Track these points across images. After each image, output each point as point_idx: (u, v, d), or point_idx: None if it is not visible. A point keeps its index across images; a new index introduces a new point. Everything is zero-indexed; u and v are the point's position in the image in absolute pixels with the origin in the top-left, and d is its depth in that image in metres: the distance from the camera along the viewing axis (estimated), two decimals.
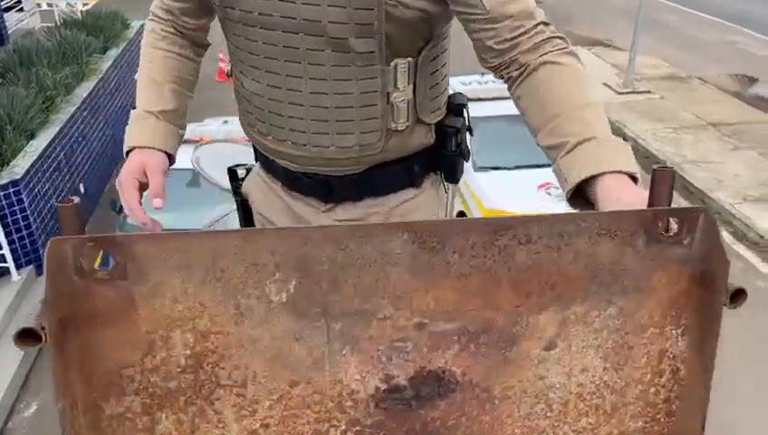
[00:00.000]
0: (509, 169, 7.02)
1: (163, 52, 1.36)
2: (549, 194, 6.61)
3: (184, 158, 7.41)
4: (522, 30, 1.10)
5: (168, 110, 1.36)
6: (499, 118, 7.56)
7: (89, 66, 9.14)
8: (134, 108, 1.36)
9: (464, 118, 1.43)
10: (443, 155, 1.39)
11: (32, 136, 7.15)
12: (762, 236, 7.17)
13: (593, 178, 1.00)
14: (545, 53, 1.10)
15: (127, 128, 1.36)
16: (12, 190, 6.24)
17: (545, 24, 1.12)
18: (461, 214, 6.94)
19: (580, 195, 1.04)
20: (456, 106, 1.40)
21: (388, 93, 1.20)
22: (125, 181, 1.30)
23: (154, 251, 0.77)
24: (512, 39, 1.11)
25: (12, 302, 6.05)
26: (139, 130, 1.34)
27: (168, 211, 5.63)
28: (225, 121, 7.32)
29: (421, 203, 1.38)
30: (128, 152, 1.34)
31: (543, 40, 1.11)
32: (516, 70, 1.13)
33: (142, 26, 1.56)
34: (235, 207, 1.59)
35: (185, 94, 1.42)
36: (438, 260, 0.78)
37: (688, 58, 12.52)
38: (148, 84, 1.36)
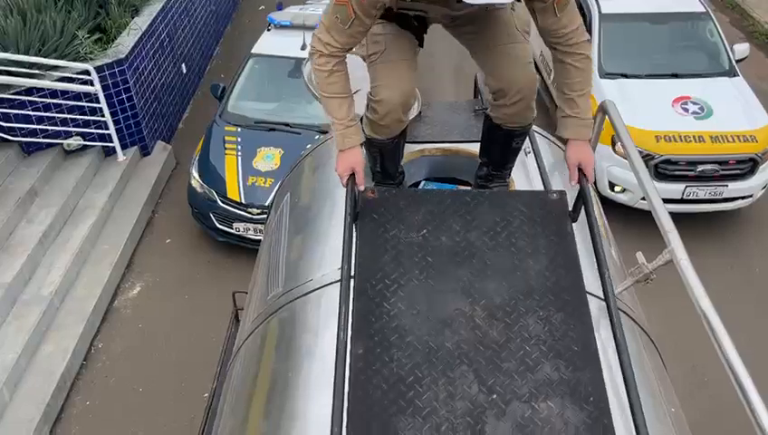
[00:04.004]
0: (640, 77, 6.24)
1: (338, 74, 1.97)
2: (686, 110, 5.86)
3: (288, 45, 6.98)
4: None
5: (355, 115, 2.00)
6: (634, 16, 6.70)
7: None
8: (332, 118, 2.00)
9: None
10: None
11: (135, 12, 6.97)
12: None
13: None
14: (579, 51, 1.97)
15: (335, 134, 1.99)
16: (117, 70, 6.15)
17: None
18: None
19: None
20: None
21: None
22: (345, 173, 1.95)
23: None
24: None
25: (117, 182, 6.15)
26: (343, 137, 1.97)
27: (269, 100, 5.31)
28: None
29: None
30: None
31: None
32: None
33: None
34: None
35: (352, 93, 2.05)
36: None
37: None
38: (337, 102, 1.98)
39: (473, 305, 1.62)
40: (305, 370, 1.81)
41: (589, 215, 1.76)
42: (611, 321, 1.55)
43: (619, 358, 1.46)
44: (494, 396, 1.47)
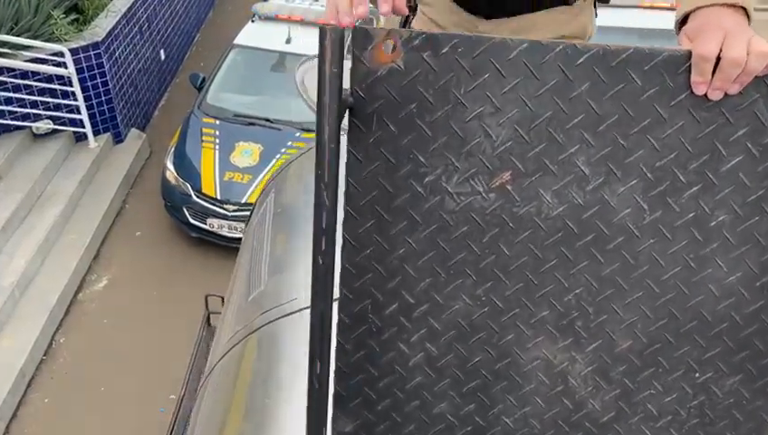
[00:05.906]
0: None
1: None
2: None
3: (272, 38, 6.82)
4: None
5: None
6: (627, 30, 6.66)
7: None
8: None
9: None
10: None
11: None
12: None
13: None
14: None
15: None
16: (93, 53, 5.92)
17: None
18: None
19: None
20: None
21: None
22: None
23: None
24: None
25: (88, 170, 5.93)
26: None
27: (250, 94, 5.14)
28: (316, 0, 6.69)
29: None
30: None
31: None
32: None
33: None
34: None
35: None
36: None
37: None
38: None
39: (571, 351, 0.87)
40: (285, 402, 1.69)
41: None
42: None
43: None
44: None
